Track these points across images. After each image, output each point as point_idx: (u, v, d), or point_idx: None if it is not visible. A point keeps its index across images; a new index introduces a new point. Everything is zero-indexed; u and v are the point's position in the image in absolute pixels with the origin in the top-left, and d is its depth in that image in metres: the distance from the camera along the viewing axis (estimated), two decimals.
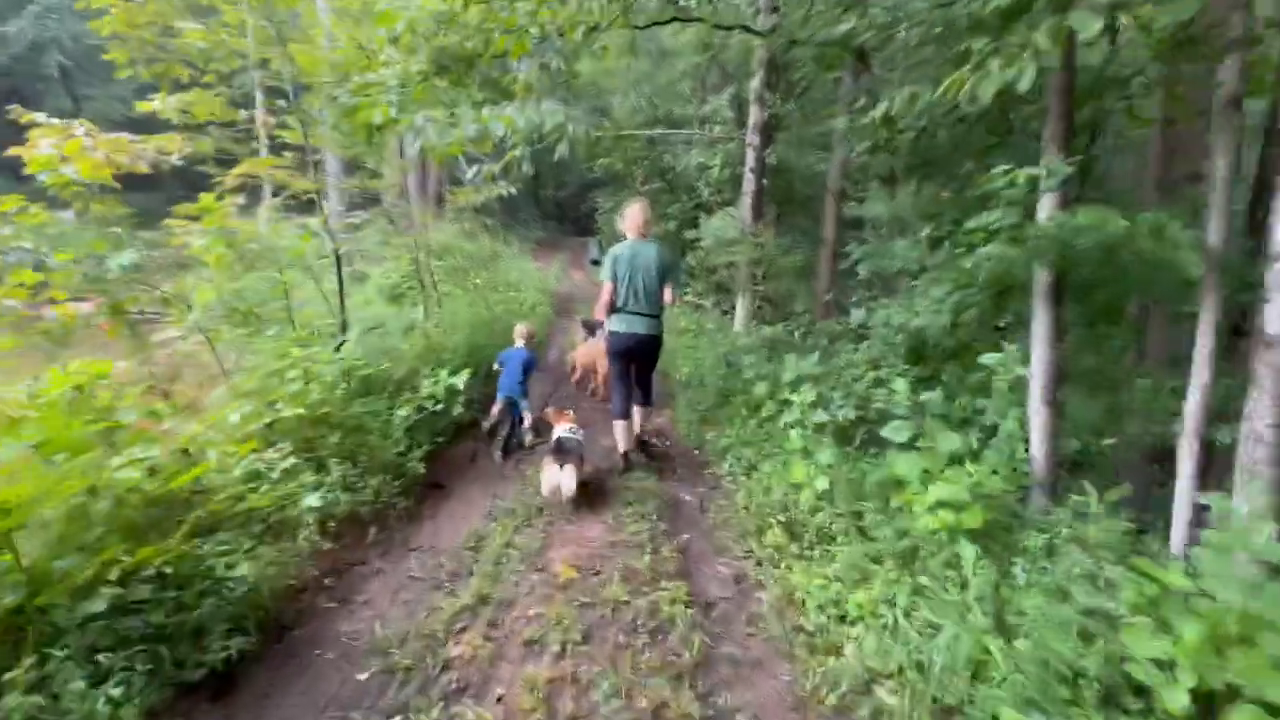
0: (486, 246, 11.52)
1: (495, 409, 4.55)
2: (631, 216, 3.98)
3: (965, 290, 3.34)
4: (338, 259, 4.93)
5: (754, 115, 7.32)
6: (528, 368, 4.64)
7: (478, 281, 8.63)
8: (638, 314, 3.82)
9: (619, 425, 4.03)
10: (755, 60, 7.25)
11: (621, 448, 4.03)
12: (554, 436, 3.73)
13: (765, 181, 7.73)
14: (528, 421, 4.62)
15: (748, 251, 7.22)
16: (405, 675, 2.19)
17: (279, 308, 4.33)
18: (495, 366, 4.75)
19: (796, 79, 8.19)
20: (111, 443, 2.19)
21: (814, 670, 2.26)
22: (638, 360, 4.04)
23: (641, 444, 4.24)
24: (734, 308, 7.99)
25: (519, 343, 4.84)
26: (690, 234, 9.52)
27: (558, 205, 36.39)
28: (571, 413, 4.04)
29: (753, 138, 7.36)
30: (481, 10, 3.85)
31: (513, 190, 6.94)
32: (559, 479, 3.37)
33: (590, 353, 5.98)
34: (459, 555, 3.04)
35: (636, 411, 4.10)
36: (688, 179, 11.50)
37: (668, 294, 3.91)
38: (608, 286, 3.81)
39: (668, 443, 4.89)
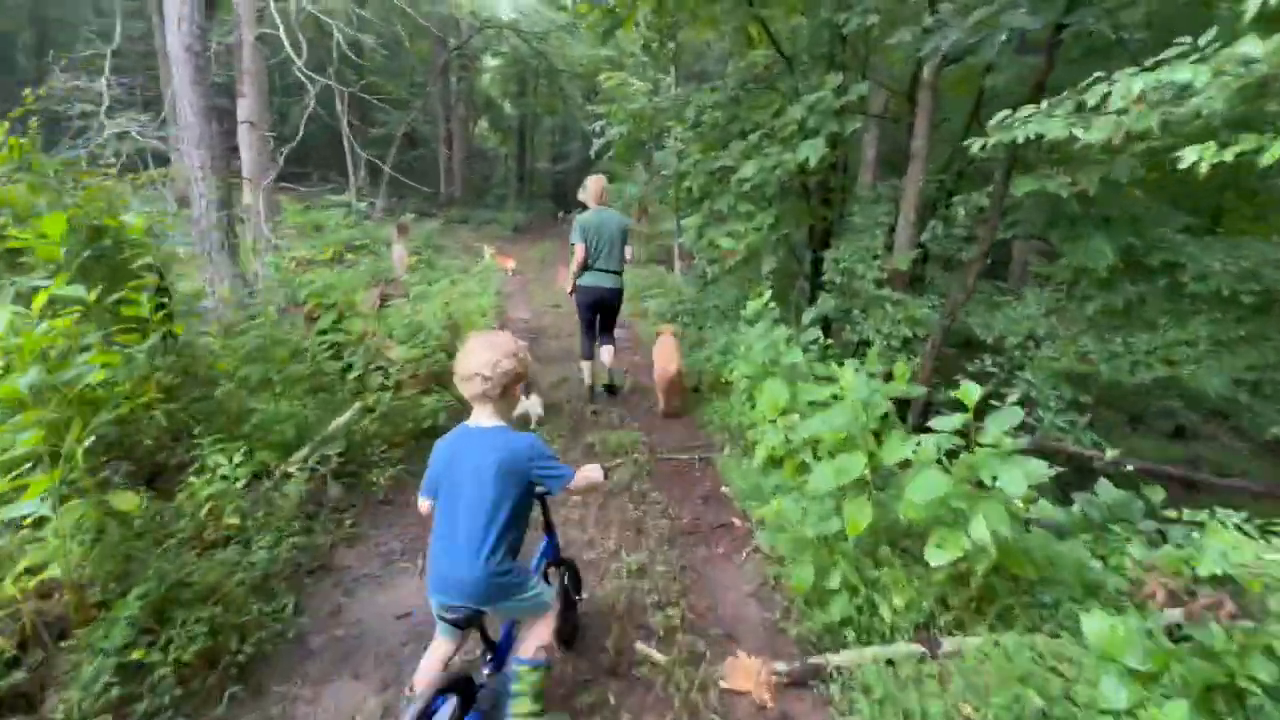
0: None
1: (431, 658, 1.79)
2: (592, 188, 4.94)
3: None
4: None
5: None
6: (522, 479, 1.72)
7: None
8: (605, 270, 4.78)
9: (585, 365, 5.18)
10: None
11: (588, 382, 5.19)
12: None
13: None
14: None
15: None
16: None
17: None
18: (424, 502, 1.78)
19: None
20: None
21: None
22: (604, 309, 4.99)
23: (610, 387, 5.39)
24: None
25: (484, 412, 1.75)
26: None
27: (555, 183, 31.56)
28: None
29: None
30: None
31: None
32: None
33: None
34: None
35: (604, 351, 5.09)
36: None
37: (628, 253, 4.98)
38: (580, 248, 4.72)
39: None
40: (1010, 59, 5.63)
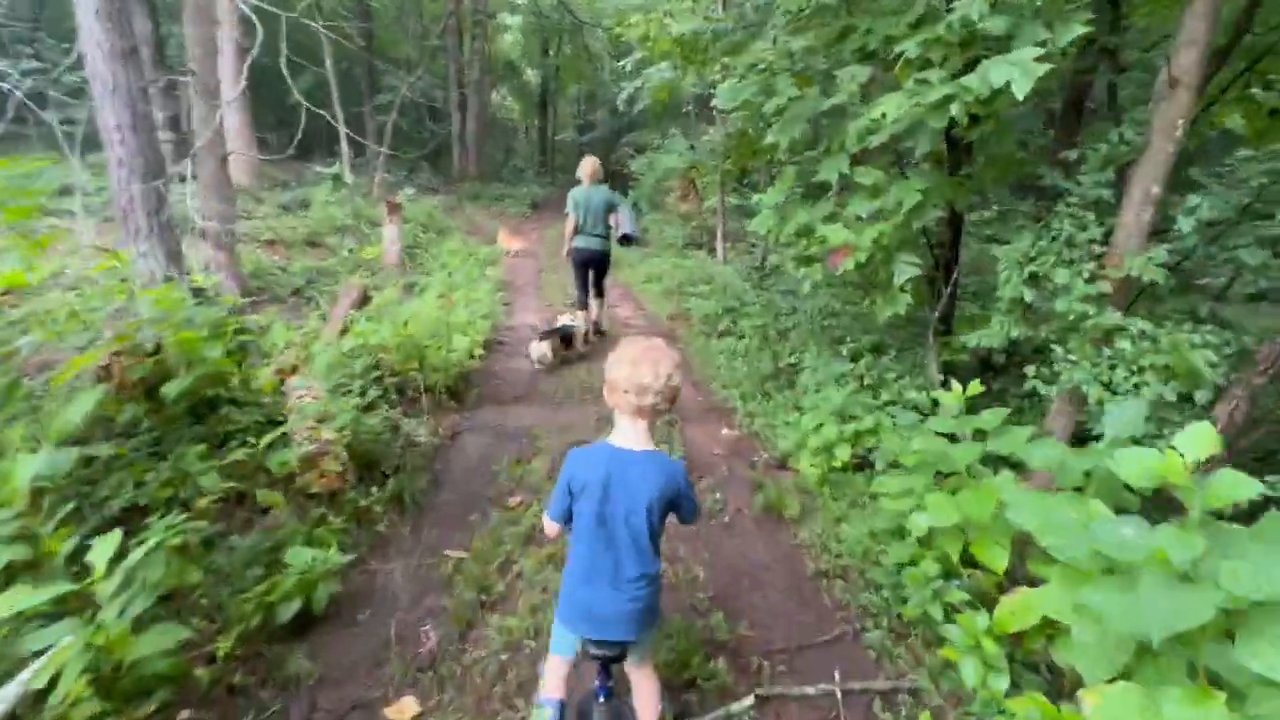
0: None
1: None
2: (586, 168, 5.74)
3: None
4: None
5: None
6: (670, 506, 1.58)
7: None
8: (594, 235, 5.64)
9: (580, 314, 5.91)
10: None
11: (583, 327, 5.81)
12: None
13: None
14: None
15: None
16: None
17: None
18: (553, 526, 1.64)
19: None
20: None
21: None
22: (594, 266, 5.83)
23: (597, 328, 6.15)
24: None
25: (636, 430, 1.59)
26: None
27: (581, 155, 29.10)
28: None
29: None
30: None
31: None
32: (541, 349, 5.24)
33: None
34: None
35: (594, 303, 6.01)
36: None
37: (612, 220, 5.68)
38: (572, 218, 5.61)
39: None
40: None
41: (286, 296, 8.82)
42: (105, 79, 5.70)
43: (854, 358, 4.49)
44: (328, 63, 12.00)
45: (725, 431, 4.34)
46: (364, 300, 8.36)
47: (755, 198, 4.48)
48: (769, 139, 3.91)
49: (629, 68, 6.29)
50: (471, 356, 4.98)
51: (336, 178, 11.50)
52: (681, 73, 5.54)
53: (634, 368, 1.51)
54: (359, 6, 16.34)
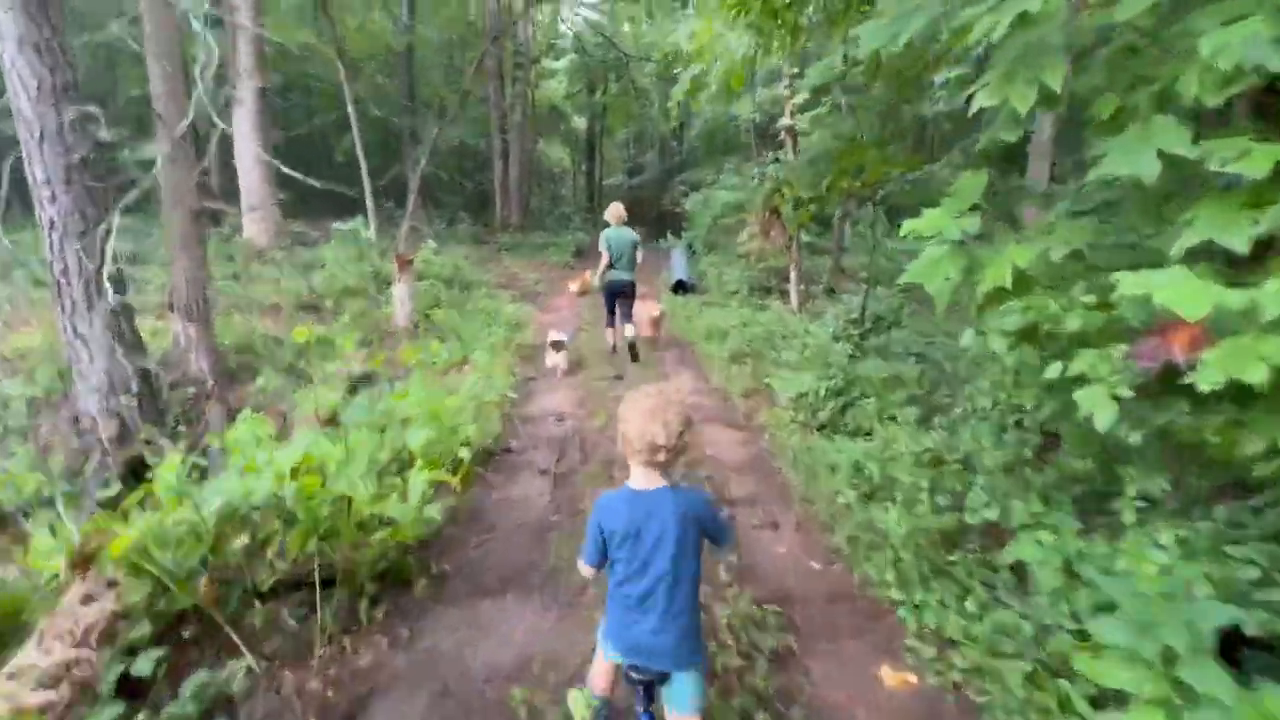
0: None
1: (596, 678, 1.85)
2: (613, 212, 6.54)
3: None
4: None
5: None
6: (701, 533, 1.64)
7: None
8: (622, 270, 6.46)
9: (609, 331, 6.85)
10: None
11: (610, 342, 6.88)
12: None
13: None
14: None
15: None
16: None
17: None
18: (589, 569, 1.72)
19: None
20: None
21: None
22: (621, 296, 6.61)
23: (630, 346, 6.67)
24: None
25: (654, 474, 1.64)
26: None
27: (633, 199, 27.92)
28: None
29: None
30: None
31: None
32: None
33: None
34: None
35: (626, 327, 6.66)
36: None
37: (638, 256, 6.55)
38: (605, 256, 6.38)
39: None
40: None
41: (275, 374, 7.29)
42: (32, 123, 4.25)
43: (1133, 513, 2.27)
44: (350, 109, 10.88)
45: (888, 676, 2.20)
46: (364, 378, 6.68)
47: (904, 231, 2.39)
48: (981, 102, 1.89)
49: (685, 46, 4.53)
50: (436, 501, 3.03)
51: (354, 232, 10.19)
52: (765, 42, 3.70)
53: (645, 424, 1.55)
54: (399, 56, 15.58)
